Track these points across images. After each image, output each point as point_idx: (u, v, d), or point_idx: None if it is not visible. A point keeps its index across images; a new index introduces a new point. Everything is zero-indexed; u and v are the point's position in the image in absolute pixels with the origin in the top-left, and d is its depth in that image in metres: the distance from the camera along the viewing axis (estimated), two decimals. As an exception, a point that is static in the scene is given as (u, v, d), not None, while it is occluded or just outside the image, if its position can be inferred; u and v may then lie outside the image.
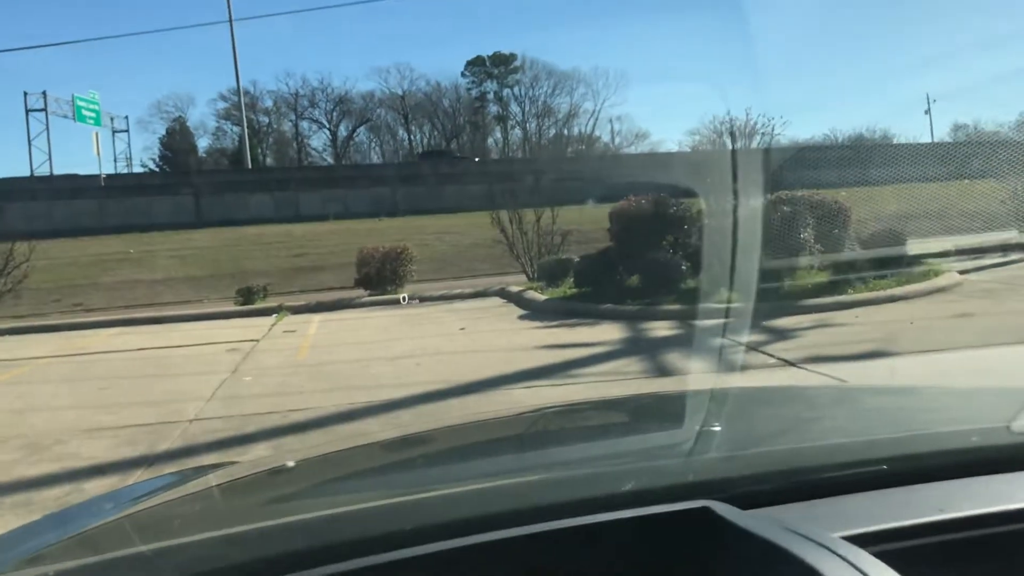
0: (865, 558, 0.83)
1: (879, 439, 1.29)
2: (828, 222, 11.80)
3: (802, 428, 1.59)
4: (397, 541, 0.90)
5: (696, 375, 7.24)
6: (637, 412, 2.05)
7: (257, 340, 11.45)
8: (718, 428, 1.43)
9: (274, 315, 15.17)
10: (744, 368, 7.34)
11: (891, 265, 11.52)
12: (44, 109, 45.93)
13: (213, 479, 1.62)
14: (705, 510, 0.97)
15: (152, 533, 1.19)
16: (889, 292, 10.85)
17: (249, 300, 17.23)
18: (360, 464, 1.68)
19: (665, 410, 2.03)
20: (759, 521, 0.93)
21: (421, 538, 0.91)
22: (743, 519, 0.94)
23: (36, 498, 4.83)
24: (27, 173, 44.83)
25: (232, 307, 16.93)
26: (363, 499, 1.23)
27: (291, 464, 1.73)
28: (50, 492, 4.94)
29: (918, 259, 12.26)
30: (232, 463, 2.29)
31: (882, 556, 0.85)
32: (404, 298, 15.53)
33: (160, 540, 1.07)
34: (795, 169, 13.23)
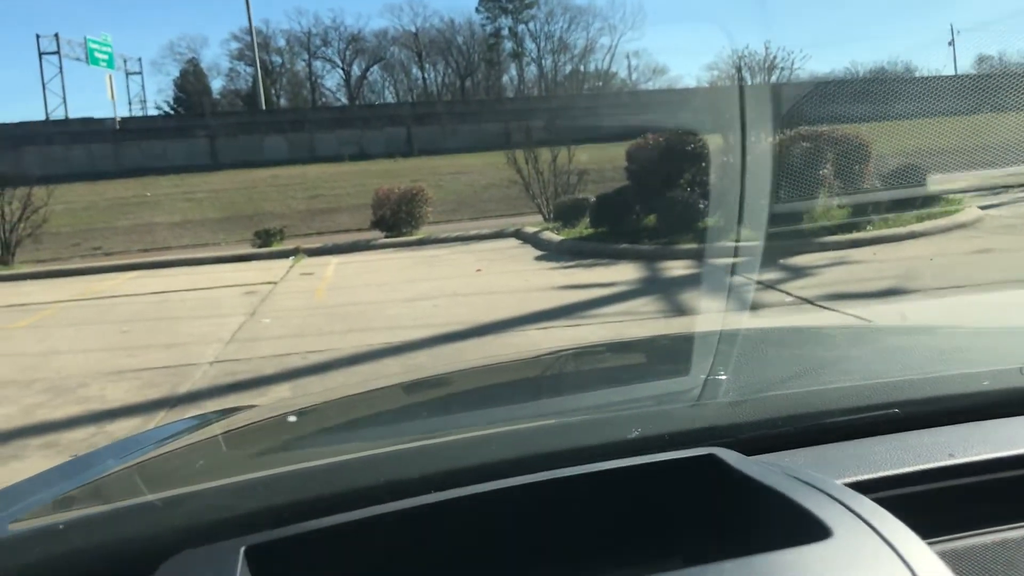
0: (866, 504, 0.82)
1: (888, 382, 1.28)
2: (848, 158, 11.62)
3: (811, 371, 1.58)
4: (402, 490, 0.91)
5: (711, 314, 7.22)
6: (646, 355, 2.05)
7: (275, 282, 11.53)
8: (726, 373, 1.42)
9: (291, 257, 15.25)
10: (760, 307, 7.32)
11: (911, 201, 11.37)
12: (57, 52, 45.59)
13: (229, 424, 1.64)
14: (711, 457, 0.97)
15: (163, 482, 1.20)
16: (909, 228, 10.74)
17: (266, 242, 17.32)
18: (367, 409, 1.70)
19: (674, 353, 2.03)
20: (762, 467, 0.92)
21: (426, 486, 0.91)
22: (746, 465, 0.93)
23: (62, 440, 4.93)
24: (42, 117, 44.82)
25: (249, 249, 17.04)
26: (369, 447, 1.24)
27: (306, 408, 1.75)
28: (75, 434, 5.04)
29: (939, 195, 12.08)
30: (251, 407, 2.32)
31: (890, 501, 0.84)
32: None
33: (170, 489, 1.08)
34: (815, 104, 12.96)
